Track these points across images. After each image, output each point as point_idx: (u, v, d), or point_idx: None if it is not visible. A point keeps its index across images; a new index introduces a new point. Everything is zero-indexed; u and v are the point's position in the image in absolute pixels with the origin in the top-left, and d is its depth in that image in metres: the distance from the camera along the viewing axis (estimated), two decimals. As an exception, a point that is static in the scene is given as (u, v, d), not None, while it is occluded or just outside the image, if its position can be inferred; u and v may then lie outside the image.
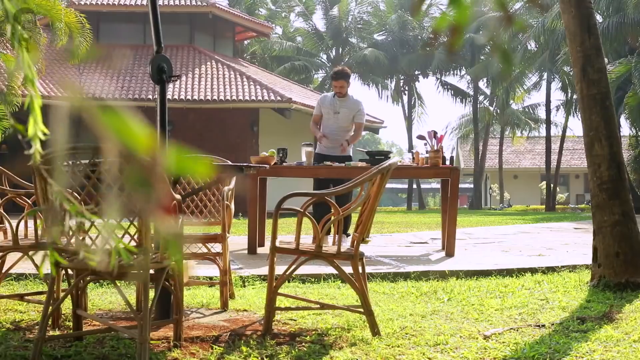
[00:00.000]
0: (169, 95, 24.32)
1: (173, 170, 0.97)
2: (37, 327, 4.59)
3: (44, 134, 1.51)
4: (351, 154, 10.05)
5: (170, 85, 24.99)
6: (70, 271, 4.25)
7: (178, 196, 3.93)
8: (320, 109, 9.97)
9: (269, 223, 10.35)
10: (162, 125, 4.76)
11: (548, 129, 41.95)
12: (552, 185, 40.84)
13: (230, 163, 5.06)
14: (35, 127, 1.51)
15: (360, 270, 4.52)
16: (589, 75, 6.22)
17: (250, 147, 25.16)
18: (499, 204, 48.75)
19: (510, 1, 42.72)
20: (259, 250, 8.98)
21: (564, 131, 42.13)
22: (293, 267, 4.64)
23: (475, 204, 46.28)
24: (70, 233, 3.79)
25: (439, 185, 70.76)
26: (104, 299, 5.72)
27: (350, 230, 8.75)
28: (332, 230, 4.97)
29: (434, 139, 8.83)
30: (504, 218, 23.33)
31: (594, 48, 6.27)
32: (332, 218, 4.70)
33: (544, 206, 43.35)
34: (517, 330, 4.56)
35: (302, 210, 4.51)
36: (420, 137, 9.06)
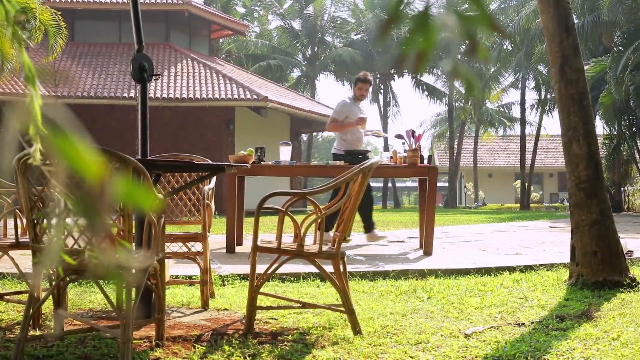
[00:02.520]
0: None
1: (120, 199, 0.97)
2: (17, 326, 4.57)
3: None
4: None
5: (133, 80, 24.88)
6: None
7: (160, 196, 3.92)
8: (345, 115, 10.24)
9: (246, 222, 10.35)
10: (142, 124, 4.74)
11: (523, 128, 42.18)
12: (526, 183, 41.06)
13: (210, 162, 5.05)
14: (36, 127, 1.52)
15: (342, 269, 4.53)
16: (567, 75, 6.27)
17: (226, 146, 25.13)
18: (474, 202, 48.96)
19: (485, 1, 43.00)
20: (237, 249, 8.98)
21: (539, 130, 42.36)
22: (274, 266, 4.64)
23: (450, 202, 46.45)
24: (52, 232, 3.77)
25: (414, 184, 71.07)
26: (83, 298, 5.69)
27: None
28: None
29: (412, 138, 8.85)
30: (480, 217, 23.43)
31: (572, 48, 6.31)
32: (313, 217, 4.71)
33: (518, 205, 43.58)
34: (498, 329, 4.59)
35: (284, 210, 4.51)
36: (399, 136, 9.09)
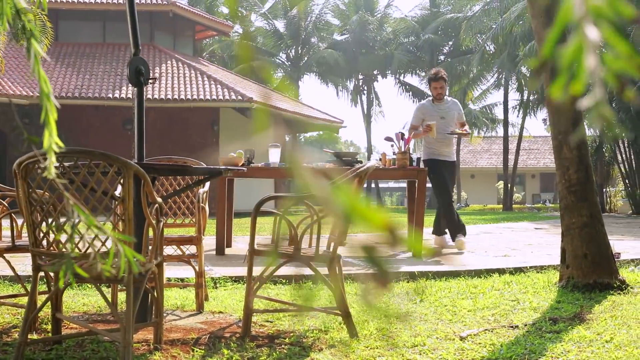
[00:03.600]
0: (129, 95, 24.15)
1: (411, 249, 0.98)
2: (13, 330, 4.58)
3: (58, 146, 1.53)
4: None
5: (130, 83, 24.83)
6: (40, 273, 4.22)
7: (159, 199, 3.93)
8: (421, 119, 9.65)
9: (235, 223, 10.36)
10: (139, 127, 4.75)
11: (506, 129, 42.30)
12: (509, 184, 41.18)
13: (207, 166, 5.06)
14: (51, 140, 1.53)
15: (338, 273, 4.56)
16: (557, 80, 6.31)
17: (211, 147, 25.10)
18: (457, 203, 49.08)
19: (469, 3, 43.22)
20: (227, 250, 8.98)
21: (521, 131, 42.49)
22: (271, 269, 4.66)
23: (433, 203, 46.49)
24: (52, 237, 3.78)
25: (396, 185, 71.08)
26: (77, 300, 5.69)
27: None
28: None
29: (401, 140, 8.89)
30: (464, 217, 23.40)
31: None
32: (310, 221, 4.73)
33: (501, 205, 43.73)
34: (492, 331, 4.63)
35: (281, 214, 4.53)
36: (388, 139, 9.12)
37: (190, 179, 5.79)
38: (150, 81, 4.78)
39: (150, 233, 3.95)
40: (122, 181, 3.65)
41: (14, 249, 4.73)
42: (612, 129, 0.80)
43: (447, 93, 9.84)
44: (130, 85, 24.51)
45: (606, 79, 0.77)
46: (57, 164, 3.67)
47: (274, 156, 9.31)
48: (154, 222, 3.87)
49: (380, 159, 9.24)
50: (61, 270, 1.40)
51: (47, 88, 1.58)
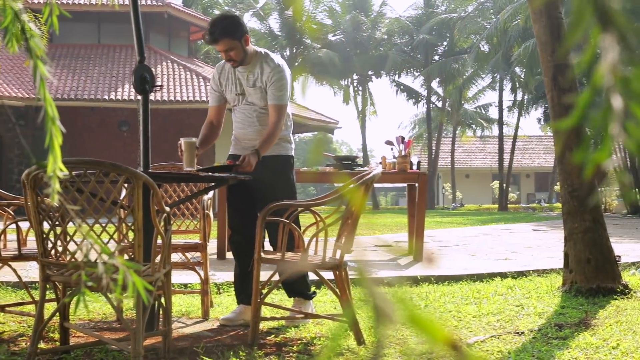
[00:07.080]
0: (125, 96, 24.12)
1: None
2: (20, 339, 4.57)
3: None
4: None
5: (125, 85, 24.78)
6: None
7: (168, 209, 3.93)
8: (217, 96, 5.78)
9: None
10: (144, 135, 4.74)
11: (500, 129, 42.34)
12: (504, 184, 41.20)
13: (211, 174, 5.05)
14: (55, 165, 1.52)
15: (344, 280, 4.56)
16: (560, 85, 6.32)
17: (208, 149, 25.04)
18: (452, 203, 49.10)
19: (463, 3, 43.27)
20: (227, 255, 8.96)
21: (516, 131, 42.55)
22: (279, 277, 4.67)
23: (428, 203, 46.51)
24: (61, 247, 3.78)
25: (390, 185, 70.92)
26: (80, 307, 5.67)
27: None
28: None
29: (401, 144, 8.89)
30: (461, 219, 23.50)
31: (565, 57, 6.37)
32: (317, 228, 4.73)
33: (496, 205, 43.73)
34: (498, 338, 4.63)
35: (287, 222, 4.53)
36: (388, 142, 9.11)
37: (193, 186, 5.79)
38: (156, 88, 4.77)
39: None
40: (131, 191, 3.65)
41: (20, 257, 4.72)
42: (629, 195, 0.81)
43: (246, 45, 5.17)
44: (127, 87, 24.50)
45: (628, 146, 0.78)
46: (66, 173, 3.66)
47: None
48: (162, 231, 3.87)
49: (380, 163, 9.23)
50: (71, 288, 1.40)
51: (53, 112, 1.56)
